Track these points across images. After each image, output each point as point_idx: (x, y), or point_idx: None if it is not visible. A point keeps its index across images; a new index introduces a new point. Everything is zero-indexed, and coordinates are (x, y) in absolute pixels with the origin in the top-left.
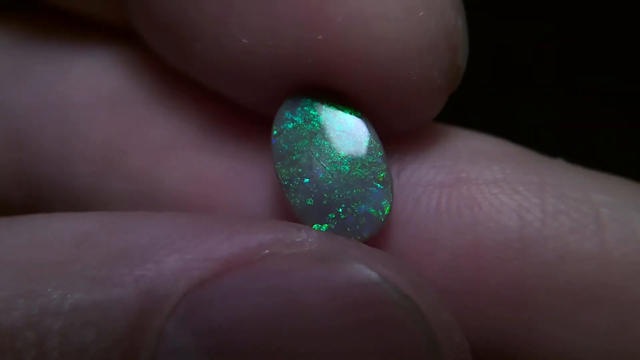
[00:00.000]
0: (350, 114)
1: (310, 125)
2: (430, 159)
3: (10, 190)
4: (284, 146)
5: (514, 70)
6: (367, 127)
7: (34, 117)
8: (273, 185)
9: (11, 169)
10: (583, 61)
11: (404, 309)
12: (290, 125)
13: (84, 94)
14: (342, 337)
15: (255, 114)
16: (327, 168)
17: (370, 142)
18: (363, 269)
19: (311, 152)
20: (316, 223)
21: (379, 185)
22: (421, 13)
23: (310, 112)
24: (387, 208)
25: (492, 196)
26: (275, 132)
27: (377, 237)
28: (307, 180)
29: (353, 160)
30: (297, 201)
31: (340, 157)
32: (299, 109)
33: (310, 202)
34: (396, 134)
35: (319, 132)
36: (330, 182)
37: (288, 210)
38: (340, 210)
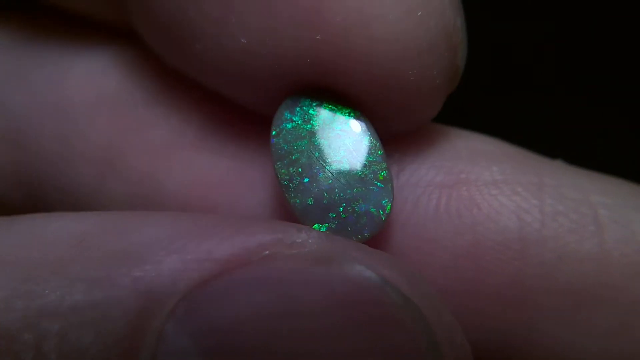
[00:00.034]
0: (350, 113)
1: (309, 125)
2: (430, 159)
3: (10, 191)
4: (283, 146)
5: (514, 70)
6: (366, 126)
7: (34, 117)
8: (273, 186)
9: (11, 169)
10: (583, 61)
11: (404, 310)
12: (290, 125)
13: (84, 94)
14: (342, 338)
15: (255, 114)
16: (327, 167)
17: (370, 141)
18: (363, 270)
19: (311, 151)
20: (317, 223)
21: (379, 184)
22: (420, 13)
23: (310, 112)
24: (388, 207)
25: (492, 197)
26: (274, 133)
27: (377, 237)
28: (307, 180)
29: (353, 160)
30: (298, 201)
31: (340, 156)
32: (298, 109)
33: (310, 201)
34: (395, 134)
35: (319, 131)
36: (331, 181)
37: (288, 210)
38: (341, 209)
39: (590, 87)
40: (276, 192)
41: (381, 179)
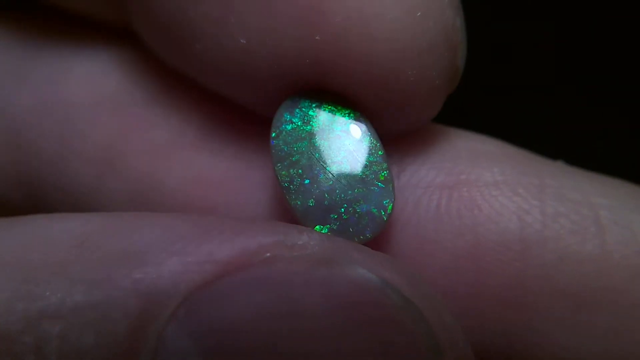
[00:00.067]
0: (349, 114)
1: (309, 127)
2: (431, 160)
3: (10, 191)
4: (283, 148)
5: (514, 70)
6: (366, 126)
7: (34, 118)
8: (273, 186)
9: (11, 169)
10: (583, 61)
11: (405, 312)
12: (289, 127)
13: (84, 95)
14: (342, 340)
15: (256, 115)
16: (327, 168)
17: (370, 142)
18: (365, 273)
19: (311, 152)
20: (318, 224)
21: (380, 184)
22: (419, 13)
23: (309, 113)
24: (390, 207)
25: (492, 198)
26: (274, 134)
27: (378, 238)
28: (307, 181)
29: (353, 160)
30: (299, 202)
31: (340, 157)
32: (297, 110)
33: (311, 203)
34: (395, 135)
35: (318, 133)
36: (331, 182)
37: (288, 211)
38: (342, 210)
39: (590, 87)
40: (276, 192)
41: (382, 179)
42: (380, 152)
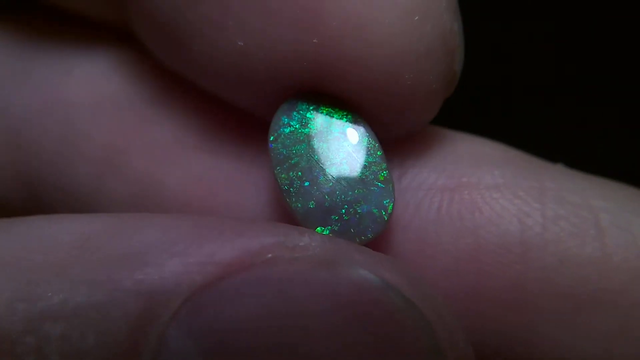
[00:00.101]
0: (347, 116)
1: (307, 129)
2: (432, 163)
3: (11, 192)
4: (282, 151)
5: (513, 71)
6: (364, 128)
7: (35, 119)
8: (274, 188)
9: (12, 171)
10: (583, 61)
11: (406, 313)
12: (287, 130)
13: (85, 96)
14: (343, 341)
15: (255, 116)
16: (327, 170)
17: (368, 142)
18: (366, 274)
19: (310, 155)
20: (319, 226)
21: (380, 184)
22: (417, 17)
23: (307, 115)
24: (390, 207)
25: (493, 200)
26: (272, 138)
27: (379, 240)
28: (307, 183)
29: (353, 161)
30: (299, 205)
31: (339, 158)
32: (295, 113)
33: (312, 205)
34: (393, 138)
35: (317, 135)
36: (331, 184)
37: (289, 213)
38: (343, 211)
39: (591, 88)
40: (277, 194)
41: (382, 179)
42: (379, 153)
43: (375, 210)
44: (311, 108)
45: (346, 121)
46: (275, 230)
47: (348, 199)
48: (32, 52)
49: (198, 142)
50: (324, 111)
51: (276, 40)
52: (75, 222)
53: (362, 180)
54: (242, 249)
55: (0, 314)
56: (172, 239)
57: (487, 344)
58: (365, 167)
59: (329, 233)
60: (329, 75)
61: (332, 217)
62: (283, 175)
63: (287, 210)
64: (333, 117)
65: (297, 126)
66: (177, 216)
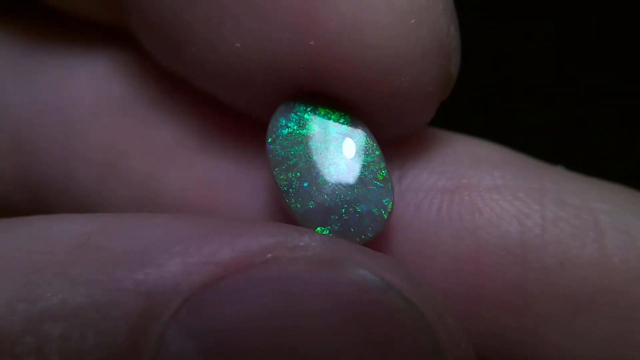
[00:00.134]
0: (344, 116)
1: (305, 130)
2: (432, 164)
3: (12, 193)
4: (280, 152)
5: (513, 71)
6: (362, 128)
7: (36, 120)
8: (274, 189)
9: (13, 172)
10: (583, 61)
11: (406, 313)
12: (285, 131)
13: (86, 97)
14: (343, 342)
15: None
16: (325, 170)
17: (366, 142)
18: (367, 274)
19: (308, 155)
20: (319, 226)
21: (379, 183)
22: (413, 20)
23: (304, 116)
24: (390, 205)
25: (493, 202)
26: (270, 140)
27: (379, 241)
28: (306, 184)
29: (351, 161)
30: (299, 205)
31: (337, 158)
32: (293, 114)
33: (311, 205)
34: (390, 139)
35: (315, 136)
36: (330, 184)
37: (288, 214)
38: (343, 210)
39: (591, 88)
40: (276, 195)
41: (380, 178)
42: (377, 153)
43: (374, 210)
44: (309, 109)
45: (344, 122)
46: (275, 231)
47: (347, 198)
48: (33, 53)
49: (198, 143)
50: (322, 112)
51: (273, 41)
52: (75, 222)
53: (361, 180)
54: (242, 249)
55: (0, 314)
56: (172, 239)
57: (487, 345)
58: (363, 166)
59: (329, 233)
60: (326, 76)
61: (332, 216)
62: (282, 177)
63: (286, 211)
64: (331, 118)
65: (294, 127)
66: (177, 216)
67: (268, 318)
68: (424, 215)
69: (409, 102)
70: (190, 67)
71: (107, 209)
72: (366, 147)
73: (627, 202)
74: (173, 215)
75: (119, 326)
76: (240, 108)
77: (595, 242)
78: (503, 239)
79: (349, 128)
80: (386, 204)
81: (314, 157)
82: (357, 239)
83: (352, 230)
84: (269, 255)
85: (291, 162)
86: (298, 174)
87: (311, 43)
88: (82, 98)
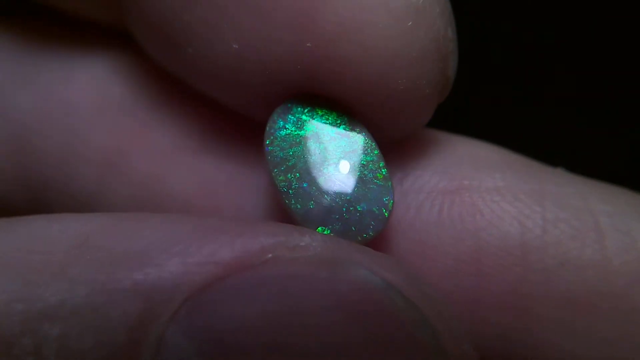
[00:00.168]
0: (342, 116)
1: (302, 131)
2: (433, 166)
3: (13, 194)
4: (279, 154)
5: (513, 71)
6: (360, 128)
7: (37, 122)
8: (274, 189)
9: (14, 173)
10: (583, 62)
11: (407, 313)
12: (283, 133)
13: (87, 99)
14: (344, 342)
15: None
16: (324, 170)
17: (365, 141)
18: (368, 275)
19: (307, 156)
20: (320, 226)
21: (379, 182)
22: (410, 23)
23: (302, 118)
24: (390, 203)
25: (494, 203)
26: (268, 141)
27: (380, 242)
28: (306, 184)
29: (350, 161)
30: (299, 206)
31: (337, 158)
32: (290, 116)
33: (311, 205)
34: (387, 140)
35: (313, 136)
36: (330, 184)
37: (288, 215)
38: (344, 210)
39: (590, 88)
40: (276, 195)
41: (380, 177)
42: (375, 152)
43: (375, 208)
44: (306, 110)
45: (341, 122)
46: (275, 231)
47: (347, 198)
48: (34, 55)
49: (198, 144)
50: (320, 113)
51: (271, 43)
52: (74, 221)
53: (360, 179)
54: (242, 249)
55: None
56: (172, 239)
57: (487, 346)
58: (363, 166)
59: (330, 232)
60: (323, 77)
61: (333, 216)
62: (281, 177)
63: (286, 212)
64: (328, 118)
65: (292, 129)
66: (177, 216)
67: (268, 318)
68: (425, 217)
69: (405, 104)
70: (188, 68)
71: (107, 209)
72: (365, 146)
73: (627, 204)
74: (173, 215)
75: (118, 326)
76: (238, 109)
77: (595, 243)
78: (504, 240)
79: (348, 128)
80: (387, 202)
81: (313, 158)
82: (359, 238)
83: (353, 229)
84: (269, 255)
85: (290, 163)
86: (297, 174)
87: (308, 45)
88: (82, 99)
